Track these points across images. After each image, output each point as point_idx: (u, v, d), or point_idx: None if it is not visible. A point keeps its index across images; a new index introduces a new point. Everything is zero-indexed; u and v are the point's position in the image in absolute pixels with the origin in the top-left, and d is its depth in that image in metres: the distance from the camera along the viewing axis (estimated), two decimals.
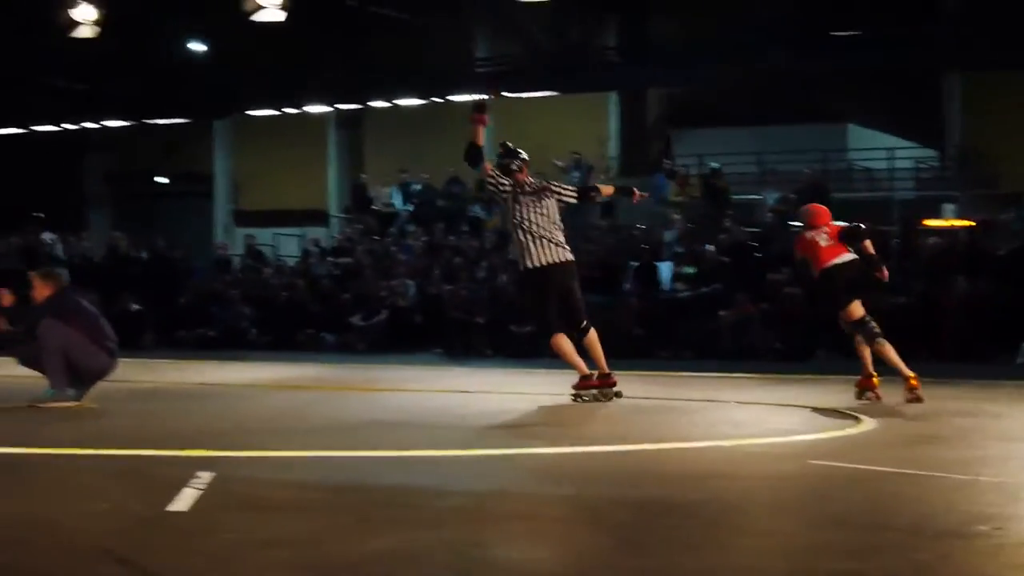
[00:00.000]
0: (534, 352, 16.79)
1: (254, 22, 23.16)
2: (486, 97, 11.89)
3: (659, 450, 8.42)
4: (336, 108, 32.78)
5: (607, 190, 12.79)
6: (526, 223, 11.33)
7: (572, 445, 8.62)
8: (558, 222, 11.44)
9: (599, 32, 31.00)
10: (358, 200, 28.68)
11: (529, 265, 11.32)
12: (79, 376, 10.94)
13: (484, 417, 10.63)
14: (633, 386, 12.09)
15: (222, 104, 33.22)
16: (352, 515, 6.07)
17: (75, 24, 23.21)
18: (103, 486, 6.97)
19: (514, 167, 11.53)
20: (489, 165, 11.63)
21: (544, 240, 11.29)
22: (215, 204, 35.29)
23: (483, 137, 11.54)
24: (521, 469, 7.68)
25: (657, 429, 9.74)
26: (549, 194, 11.50)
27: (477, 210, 26.38)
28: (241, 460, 7.84)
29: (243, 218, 34.45)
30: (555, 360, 11.86)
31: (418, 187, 27.40)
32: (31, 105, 33.01)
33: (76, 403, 10.84)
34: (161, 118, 33.88)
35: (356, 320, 21.95)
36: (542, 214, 11.35)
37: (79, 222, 33.15)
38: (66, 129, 34.55)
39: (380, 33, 30.28)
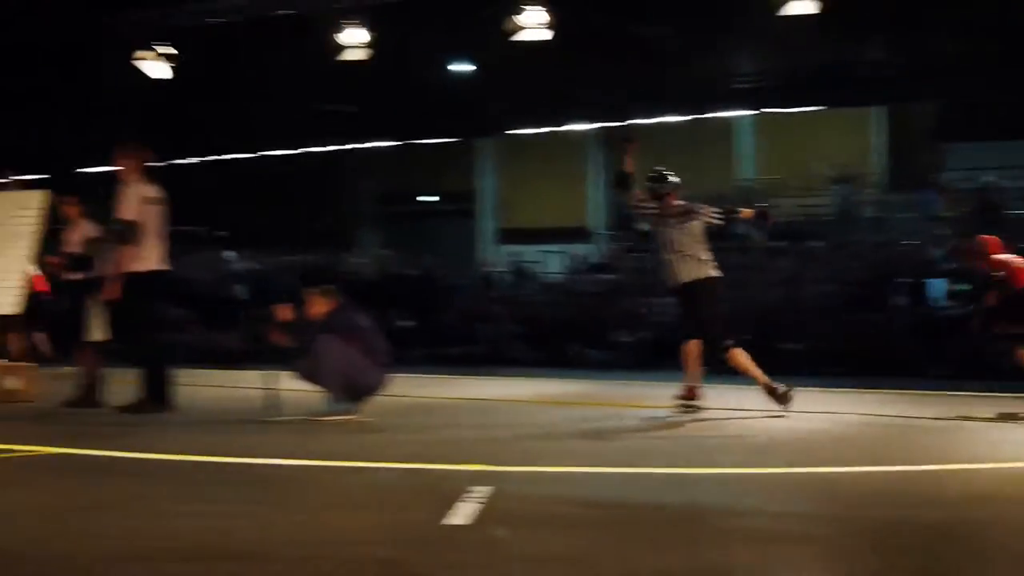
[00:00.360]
0: (803, 370, 16.49)
1: (518, 42, 23.41)
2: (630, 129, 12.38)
3: (941, 471, 8.20)
4: (597, 126, 32.89)
5: (747, 213, 12.92)
6: (671, 243, 12.04)
7: (849, 465, 8.44)
8: (704, 241, 12.05)
9: (865, 44, 30.38)
10: (619, 217, 28.72)
11: (676, 282, 12.02)
12: (355, 390, 11.21)
13: (754, 434, 10.50)
14: (906, 405, 11.83)
15: (486, 124, 33.67)
16: (629, 532, 6.06)
17: (345, 48, 23.73)
18: (382, 499, 7.11)
19: (663, 191, 12.26)
20: (639, 191, 12.36)
21: (688, 258, 11.97)
22: (478, 222, 35.83)
23: (632, 164, 12.32)
24: (799, 489, 7.56)
25: (935, 449, 9.48)
26: (695, 216, 12.10)
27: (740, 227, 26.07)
28: (516, 475, 7.90)
29: (505, 235, 34.89)
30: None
31: None
32: (304, 128, 33.99)
33: (353, 417, 11.11)
34: (427, 138, 34.50)
35: (621, 336, 21.97)
36: (687, 234, 12.01)
37: (350, 241, 34.08)
38: (337, 151, 35.47)
39: (641, 51, 30.24)
